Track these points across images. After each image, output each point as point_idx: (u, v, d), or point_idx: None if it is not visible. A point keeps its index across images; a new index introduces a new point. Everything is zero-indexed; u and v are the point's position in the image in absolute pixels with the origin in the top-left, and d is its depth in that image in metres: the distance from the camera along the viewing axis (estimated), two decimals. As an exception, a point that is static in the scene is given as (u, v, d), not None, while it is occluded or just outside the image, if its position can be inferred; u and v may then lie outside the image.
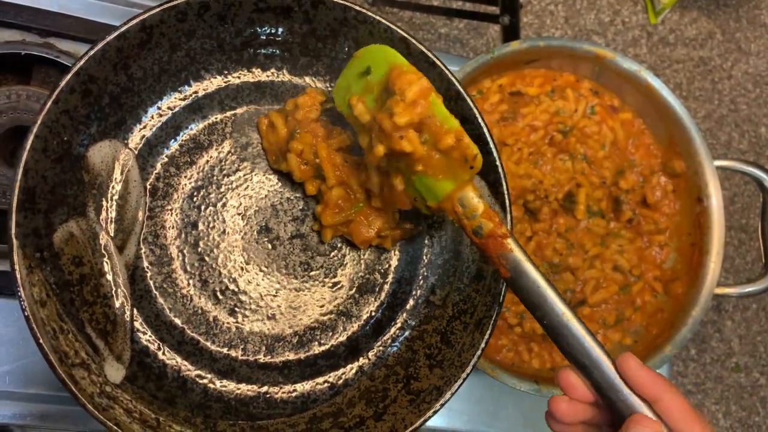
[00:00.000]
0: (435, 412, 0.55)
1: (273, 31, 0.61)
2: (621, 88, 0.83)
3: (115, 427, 0.50)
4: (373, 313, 0.63)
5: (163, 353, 0.58)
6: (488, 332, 0.56)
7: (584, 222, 0.81)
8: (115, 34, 0.54)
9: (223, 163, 0.62)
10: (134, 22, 0.54)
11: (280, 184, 0.63)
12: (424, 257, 0.64)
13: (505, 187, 0.59)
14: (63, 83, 0.52)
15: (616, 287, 0.82)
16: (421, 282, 0.64)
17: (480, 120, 0.59)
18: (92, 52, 0.53)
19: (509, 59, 0.79)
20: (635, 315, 0.82)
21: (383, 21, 0.59)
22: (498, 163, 0.59)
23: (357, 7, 0.59)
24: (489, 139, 0.59)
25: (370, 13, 0.59)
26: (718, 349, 1.68)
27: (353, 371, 0.61)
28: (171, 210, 0.60)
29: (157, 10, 0.55)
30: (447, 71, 0.60)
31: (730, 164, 0.82)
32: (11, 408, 0.70)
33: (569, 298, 0.81)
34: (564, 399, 0.51)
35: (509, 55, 0.79)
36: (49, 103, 0.52)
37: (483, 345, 0.56)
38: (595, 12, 1.75)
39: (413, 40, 0.59)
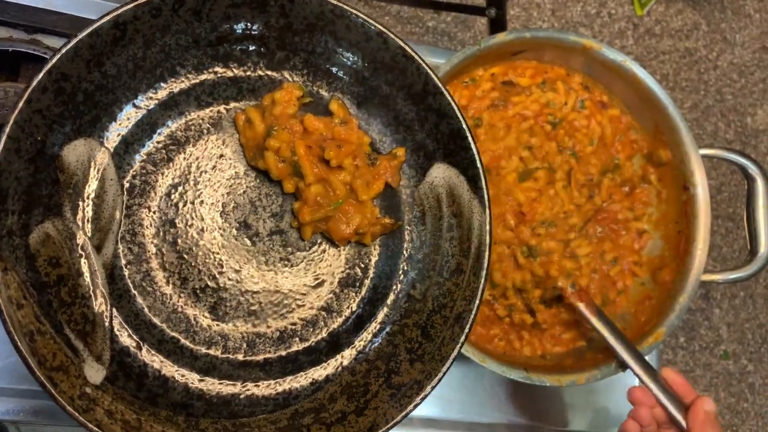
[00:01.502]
0: (416, 406, 0.55)
1: (249, 26, 0.60)
2: (610, 81, 0.83)
3: (97, 429, 0.50)
4: (354, 308, 0.63)
5: (144, 352, 0.58)
6: (468, 326, 0.57)
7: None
8: (87, 31, 0.53)
9: (200, 160, 0.61)
10: (107, 18, 0.54)
11: (258, 180, 0.62)
12: (404, 252, 0.64)
13: (484, 182, 0.59)
14: (35, 82, 0.52)
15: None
16: (402, 277, 0.64)
17: (458, 114, 0.59)
18: (64, 50, 0.53)
19: (496, 51, 0.79)
20: (619, 298, 0.83)
21: (360, 15, 0.59)
22: (477, 158, 0.59)
23: (333, 1, 0.58)
24: (468, 134, 0.59)
25: (346, 7, 0.59)
26: (707, 336, 1.69)
27: (334, 367, 0.61)
28: (149, 208, 0.60)
29: (131, 6, 0.54)
30: (425, 65, 0.59)
31: (715, 153, 0.83)
32: (4, 404, 0.70)
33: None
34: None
35: (496, 47, 0.78)
36: (21, 103, 0.51)
37: (463, 339, 0.56)
38: (582, 4, 1.76)
39: (390, 35, 0.59)
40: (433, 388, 0.55)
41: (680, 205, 0.81)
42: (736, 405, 1.67)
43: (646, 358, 0.88)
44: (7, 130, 0.51)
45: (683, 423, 0.66)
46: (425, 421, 0.81)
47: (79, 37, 0.53)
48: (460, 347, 0.56)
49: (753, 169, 0.82)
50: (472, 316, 0.56)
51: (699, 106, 1.78)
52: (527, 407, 0.87)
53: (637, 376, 0.70)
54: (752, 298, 1.73)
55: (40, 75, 0.52)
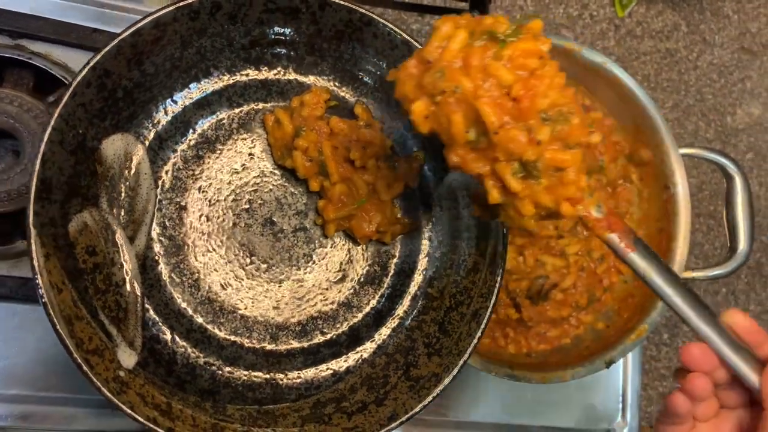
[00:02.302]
0: (434, 398, 0.58)
1: (281, 32, 0.62)
2: (592, 83, 0.85)
3: (129, 410, 0.52)
4: (374, 304, 0.66)
5: (173, 340, 0.60)
6: (484, 322, 0.59)
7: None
8: (131, 30, 0.55)
9: (229, 158, 0.64)
10: (149, 19, 0.56)
11: (284, 178, 0.65)
12: (423, 251, 0.67)
13: (501, 185, 0.62)
14: (80, 77, 0.54)
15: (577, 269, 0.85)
16: (420, 274, 0.66)
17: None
18: (108, 48, 0.55)
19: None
20: (605, 296, 0.85)
21: (387, 25, 0.61)
22: None
23: (362, 10, 0.61)
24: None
25: (374, 16, 0.61)
26: (690, 333, 1.72)
27: (355, 359, 0.64)
28: (179, 202, 0.62)
29: (171, 8, 0.56)
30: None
31: (694, 152, 0.84)
32: (-8, 409, 0.70)
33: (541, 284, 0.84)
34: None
35: (479, 49, 0.80)
36: (67, 97, 0.53)
37: (479, 334, 0.59)
38: (564, 6, 1.78)
39: (416, 44, 0.62)
40: (452, 380, 0.58)
41: (661, 203, 0.82)
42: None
43: (629, 355, 0.90)
44: (53, 122, 0.53)
45: (756, 384, 0.48)
46: (419, 420, 0.82)
47: (122, 35, 0.55)
48: (477, 342, 0.59)
49: (732, 168, 0.82)
50: (488, 313, 0.59)
51: (680, 106, 1.81)
52: (515, 405, 0.88)
53: (692, 327, 0.52)
54: (734, 294, 1.78)
55: (85, 70, 0.54)
